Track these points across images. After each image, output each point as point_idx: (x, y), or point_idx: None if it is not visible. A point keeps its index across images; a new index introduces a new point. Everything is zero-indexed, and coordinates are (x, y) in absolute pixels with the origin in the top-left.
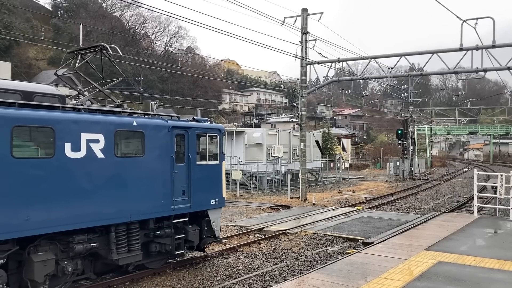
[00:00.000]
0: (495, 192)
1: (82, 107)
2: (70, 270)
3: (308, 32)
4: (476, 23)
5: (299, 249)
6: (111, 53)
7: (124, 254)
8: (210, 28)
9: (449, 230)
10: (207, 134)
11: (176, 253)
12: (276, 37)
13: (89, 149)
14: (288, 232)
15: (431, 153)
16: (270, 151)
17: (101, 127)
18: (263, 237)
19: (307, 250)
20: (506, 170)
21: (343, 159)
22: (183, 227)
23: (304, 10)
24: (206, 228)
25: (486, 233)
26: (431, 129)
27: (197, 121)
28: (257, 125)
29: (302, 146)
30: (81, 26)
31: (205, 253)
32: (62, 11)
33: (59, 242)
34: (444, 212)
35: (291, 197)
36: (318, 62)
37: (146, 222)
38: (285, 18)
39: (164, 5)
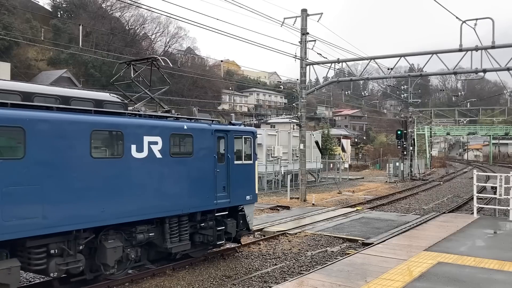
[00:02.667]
0: (495, 193)
1: (143, 113)
2: (133, 256)
3: (307, 33)
4: (475, 24)
5: (299, 249)
6: (163, 64)
7: (176, 243)
8: (210, 29)
9: (448, 231)
10: (243, 136)
11: (218, 243)
12: (275, 37)
13: (150, 150)
14: (287, 233)
15: (431, 154)
16: (269, 151)
17: (159, 131)
18: (263, 237)
19: (307, 251)
20: (505, 171)
21: (342, 159)
22: (223, 220)
23: (304, 10)
24: (241, 221)
25: (485, 233)
26: (430, 129)
27: (233, 124)
28: (257, 126)
29: (301, 147)
30: (80, 26)
31: (240, 244)
32: (61, 12)
33: (124, 231)
34: (444, 213)
35: (290, 198)
36: (317, 63)
37: (194, 215)
38: (284, 18)
39: (164, 6)
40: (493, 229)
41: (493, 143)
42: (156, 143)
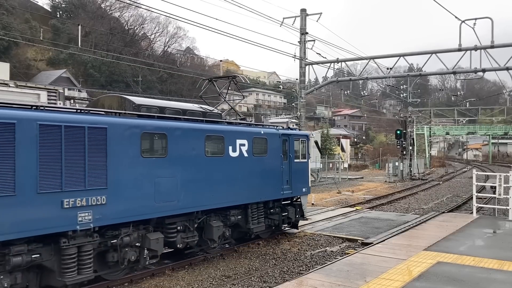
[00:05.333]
0: (494, 192)
1: (235, 121)
2: (227, 234)
3: (307, 33)
4: (474, 24)
5: (298, 249)
6: (243, 81)
7: (256, 225)
8: (209, 29)
9: (448, 230)
10: (300, 139)
11: (282, 226)
12: (275, 37)
13: (240, 150)
14: (287, 233)
15: (430, 154)
16: None
17: (246, 135)
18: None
19: (306, 251)
20: (505, 170)
21: (342, 159)
22: (285, 207)
23: (303, 10)
24: (298, 209)
25: (485, 233)
26: (430, 129)
27: (291, 129)
28: None
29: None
30: (79, 26)
31: (297, 228)
32: (60, 12)
33: (221, 214)
34: (443, 212)
35: None
36: (317, 63)
37: (267, 202)
38: (284, 18)
39: (163, 6)
40: (492, 228)
41: (492, 143)
42: (244, 145)
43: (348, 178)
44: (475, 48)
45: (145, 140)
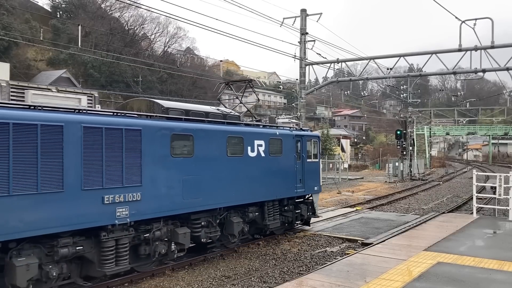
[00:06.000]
0: (494, 193)
1: (252, 122)
2: (246, 230)
3: (307, 33)
4: (475, 24)
5: (298, 250)
6: (259, 85)
7: (272, 221)
8: (209, 29)
9: (448, 231)
10: (311, 139)
11: (296, 222)
12: (275, 38)
13: (258, 151)
14: (287, 233)
15: (430, 154)
16: None
17: (263, 136)
18: (262, 237)
19: (306, 251)
20: (505, 171)
21: (342, 159)
22: (298, 205)
23: (303, 10)
24: (310, 207)
25: (485, 233)
26: (430, 129)
27: (303, 130)
28: None
29: None
30: (79, 27)
31: (309, 225)
32: (61, 12)
33: (240, 211)
34: (443, 213)
35: None
36: (317, 63)
37: (281, 200)
38: (284, 18)
39: (163, 6)
40: (492, 229)
41: (492, 143)
42: (261, 145)
43: (348, 179)
44: (475, 49)
45: (174, 141)
